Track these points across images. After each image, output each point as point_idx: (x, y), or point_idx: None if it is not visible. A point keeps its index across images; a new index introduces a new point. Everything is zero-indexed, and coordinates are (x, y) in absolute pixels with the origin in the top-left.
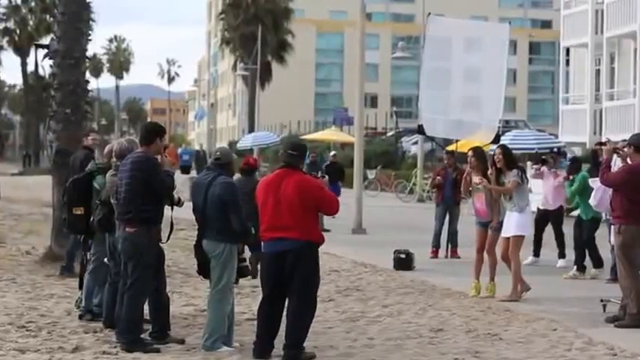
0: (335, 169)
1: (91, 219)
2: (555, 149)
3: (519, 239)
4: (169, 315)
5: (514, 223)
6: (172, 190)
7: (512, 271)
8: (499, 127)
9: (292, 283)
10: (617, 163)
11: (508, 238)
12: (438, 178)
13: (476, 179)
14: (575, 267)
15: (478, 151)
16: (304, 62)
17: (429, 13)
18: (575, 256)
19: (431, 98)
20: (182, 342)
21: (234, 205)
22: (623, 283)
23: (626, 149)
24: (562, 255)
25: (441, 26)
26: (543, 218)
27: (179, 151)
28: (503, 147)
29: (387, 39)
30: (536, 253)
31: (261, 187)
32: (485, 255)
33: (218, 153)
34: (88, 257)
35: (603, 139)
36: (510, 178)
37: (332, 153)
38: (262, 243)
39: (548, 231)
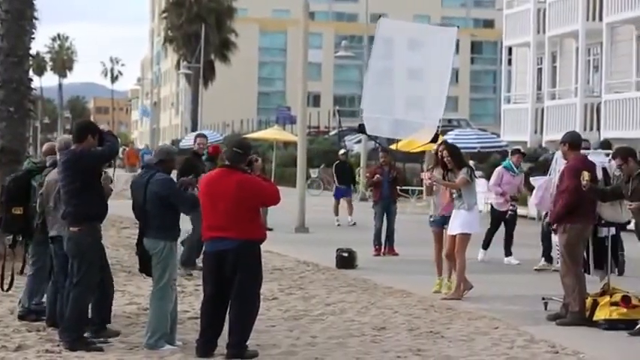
0: (344, 169)
1: (32, 220)
2: (519, 149)
3: (466, 237)
4: (111, 309)
5: (461, 222)
6: (116, 147)
7: (457, 270)
8: (438, 127)
9: (234, 282)
10: (559, 162)
11: (454, 236)
12: (377, 176)
13: (425, 176)
14: (543, 258)
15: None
16: (247, 61)
17: (380, 16)
18: (543, 249)
19: (376, 97)
20: (117, 334)
21: (175, 196)
22: (565, 281)
23: (560, 147)
24: (509, 253)
25: (390, 28)
26: (500, 218)
27: (141, 151)
28: (450, 147)
29: (330, 38)
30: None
31: (202, 185)
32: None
33: (157, 151)
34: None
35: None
36: (460, 175)
37: (341, 151)
38: (204, 242)
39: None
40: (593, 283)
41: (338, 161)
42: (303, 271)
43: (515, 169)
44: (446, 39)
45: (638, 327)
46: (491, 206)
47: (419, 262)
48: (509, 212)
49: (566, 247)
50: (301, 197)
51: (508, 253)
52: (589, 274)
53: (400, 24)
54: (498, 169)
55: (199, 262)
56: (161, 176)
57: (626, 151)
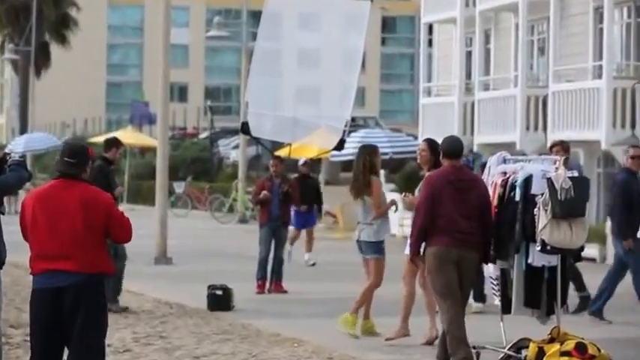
0: (307, 187)
1: None
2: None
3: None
4: None
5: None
6: None
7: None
8: (345, 130)
9: (72, 328)
10: (492, 170)
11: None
12: (264, 192)
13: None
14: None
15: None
16: (93, 42)
17: None
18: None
19: (261, 88)
20: None
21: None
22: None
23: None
24: None
25: (281, 0)
26: None
27: None
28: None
29: (200, 13)
30: None
31: (29, 202)
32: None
33: None
34: None
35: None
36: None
37: (301, 161)
38: (32, 277)
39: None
40: (533, 325)
41: (298, 175)
42: (165, 315)
43: None
44: (354, 16)
45: None
46: None
47: (313, 301)
48: None
49: (428, 275)
50: (162, 219)
51: None
52: (509, 312)
53: None
54: None
55: None
56: None
57: None
